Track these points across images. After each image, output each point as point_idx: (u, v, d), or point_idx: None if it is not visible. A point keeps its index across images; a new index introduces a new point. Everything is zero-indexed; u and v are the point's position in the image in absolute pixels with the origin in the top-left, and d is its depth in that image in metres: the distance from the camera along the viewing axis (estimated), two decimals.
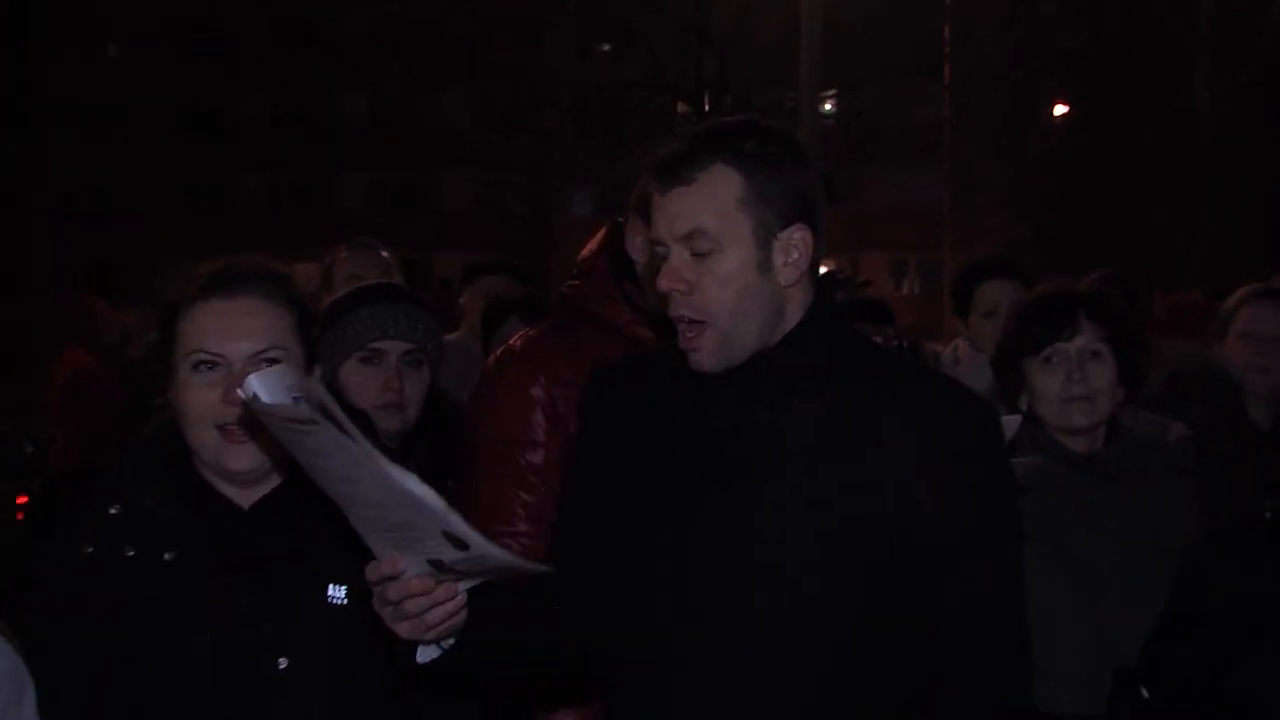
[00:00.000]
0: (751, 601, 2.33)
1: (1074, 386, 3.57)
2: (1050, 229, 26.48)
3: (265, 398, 2.11)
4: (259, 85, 44.92)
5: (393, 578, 2.20)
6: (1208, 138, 26.19)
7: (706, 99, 26.75)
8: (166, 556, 2.56)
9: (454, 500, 3.35)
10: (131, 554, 2.57)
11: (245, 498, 2.64)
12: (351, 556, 2.44)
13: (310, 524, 2.57)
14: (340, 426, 2.04)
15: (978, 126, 30.28)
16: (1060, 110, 31.10)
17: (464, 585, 2.26)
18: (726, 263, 2.38)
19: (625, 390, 2.59)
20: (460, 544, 2.13)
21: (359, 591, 2.50)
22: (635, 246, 3.24)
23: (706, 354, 2.42)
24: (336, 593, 2.59)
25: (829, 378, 2.42)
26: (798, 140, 2.49)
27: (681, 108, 27.92)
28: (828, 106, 29.14)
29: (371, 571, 2.23)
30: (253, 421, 2.44)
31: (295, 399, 2.11)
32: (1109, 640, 3.41)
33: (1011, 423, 3.33)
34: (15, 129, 43.15)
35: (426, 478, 3.42)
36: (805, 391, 2.41)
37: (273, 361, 2.55)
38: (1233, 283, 5.35)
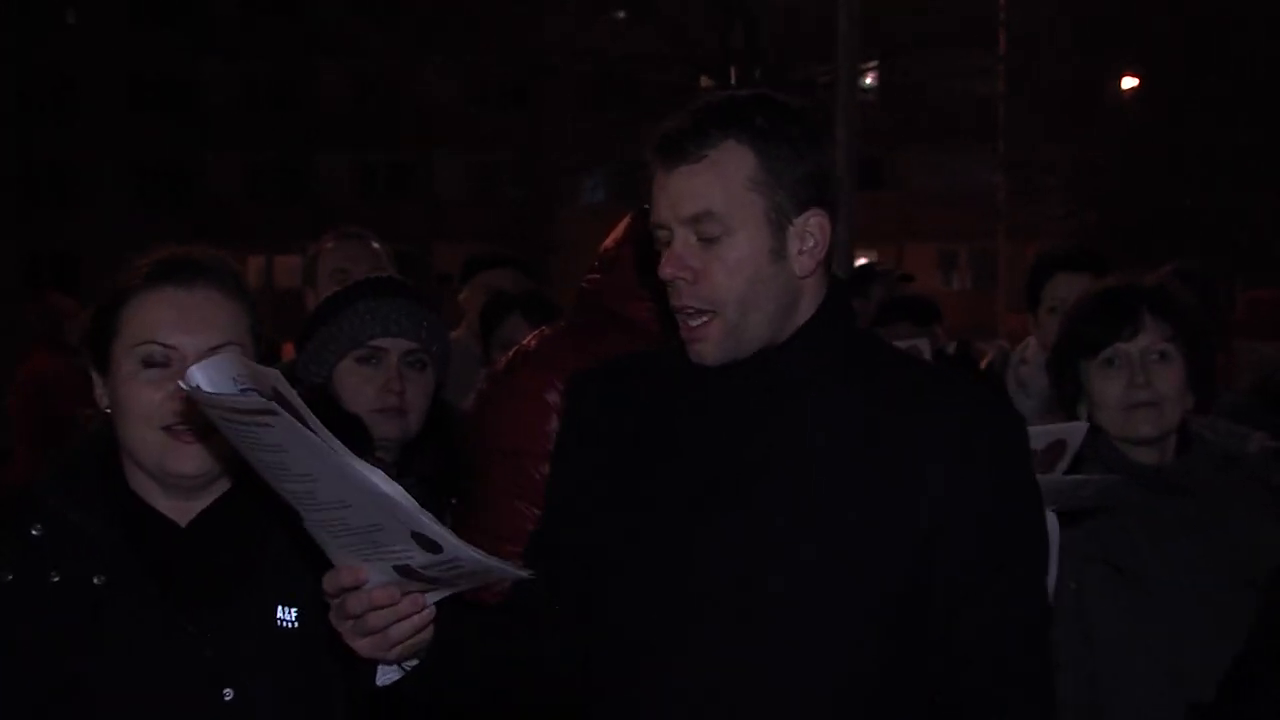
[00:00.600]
0: (759, 617, 2.35)
1: (1137, 392, 3.51)
2: (1118, 217, 26.41)
3: (209, 388, 2.09)
4: (230, 57, 44.97)
5: (354, 588, 2.22)
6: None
7: (733, 72, 26.71)
8: (96, 580, 2.57)
9: (458, 520, 3.39)
10: (57, 579, 2.55)
11: (183, 513, 2.62)
12: (303, 574, 2.48)
13: (256, 539, 2.59)
14: (298, 416, 2.05)
15: (1036, 102, 30.17)
16: (1130, 83, 31.00)
17: (433, 597, 2.27)
18: (736, 248, 2.39)
19: (615, 394, 2.60)
20: (432, 546, 2.14)
21: (312, 612, 2.52)
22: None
23: (711, 345, 2.43)
24: (286, 615, 2.58)
25: (842, 378, 2.45)
26: (814, 117, 2.51)
27: (705, 82, 27.89)
28: (868, 80, 29.12)
29: (330, 582, 2.24)
30: (202, 421, 2.41)
31: (243, 390, 2.10)
32: (1181, 672, 3.40)
33: (1078, 430, 3.32)
34: None
35: (428, 493, 3.48)
36: (817, 392, 2.44)
37: None
38: None
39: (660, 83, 27.28)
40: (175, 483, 2.60)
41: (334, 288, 4.99)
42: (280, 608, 2.59)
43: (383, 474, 2.10)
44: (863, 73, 23.64)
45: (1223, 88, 26.44)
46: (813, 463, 2.39)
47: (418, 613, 2.25)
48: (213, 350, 2.53)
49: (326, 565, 2.26)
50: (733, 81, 26.21)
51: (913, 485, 2.36)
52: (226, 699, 2.53)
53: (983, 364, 11.16)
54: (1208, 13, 26.52)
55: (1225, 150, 26.15)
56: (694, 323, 2.43)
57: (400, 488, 2.11)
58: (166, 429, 2.56)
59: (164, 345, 2.56)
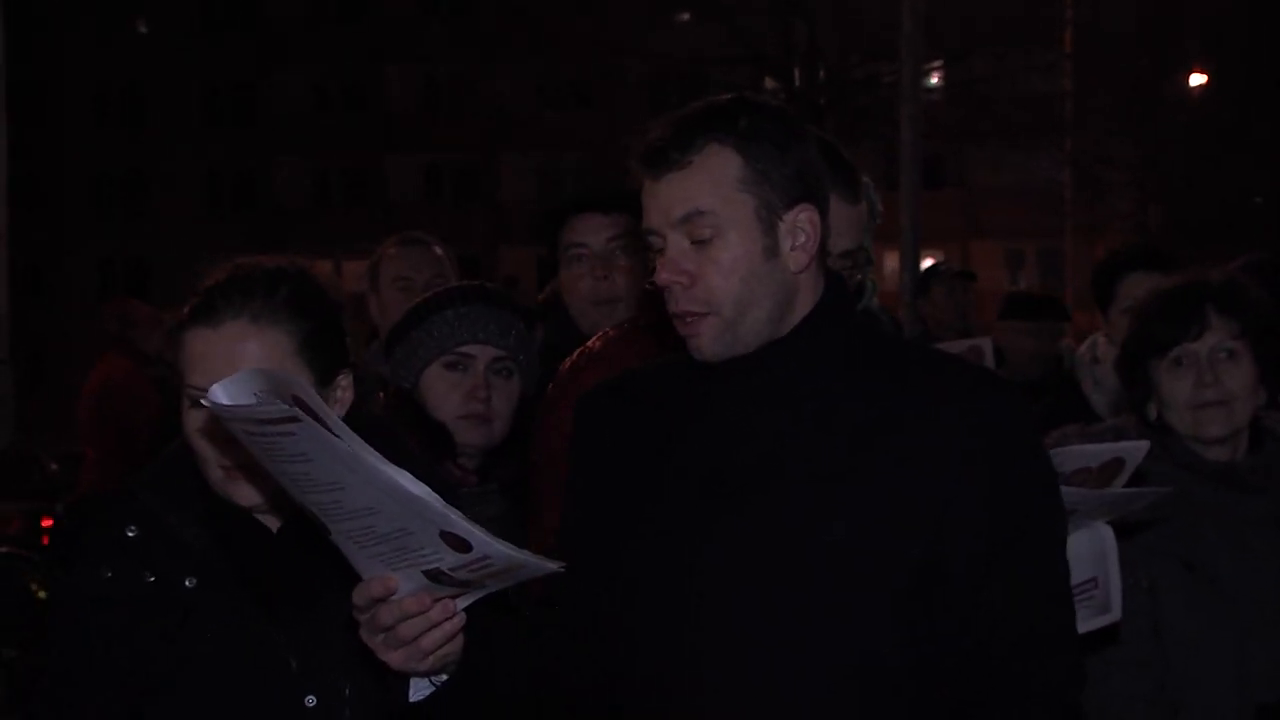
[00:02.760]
0: (775, 612, 2.36)
1: (1205, 391, 3.49)
2: (1185, 213, 26.18)
3: (228, 402, 2.08)
4: (299, 63, 45.31)
5: (384, 599, 2.23)
6: None
7: (796, 72, 26.67)
8: (188, 583, 2.60)
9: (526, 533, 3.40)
10: (151, 580, 2.60)
11: (274, 519, 2.65)
12: None
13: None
14: (322, 421, 2.05)
15: (1104, 98, 29.94)
16: (1198, 80, 30.71)
17: (463, 601, 2.27)
18: (729, 249, 2.41)
19: (621, 408, 2.62)
20: (461, 545, 2.14)
21: None
22: None
23: (707, 340, 2.45)
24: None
25: (846, 371, 2.47)
26: (795, 117, 2.53)
27: (769, 82, 27.86)
28: (933, 79, 28.97)
29: (360, 595, 2.25)
30: (244, 455, 2.45)
31: (258, 397, 2.08)
32: (1256, 674, 3.39)
33: (1137, 449, 3.29)
34: (37, 115, 43.83)
35: (509, 501, 3.47)
36: (820, 387, 2.45)
37: None
38: None
39: (724, 83, 27.26)
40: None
41: (396, 294, 5.04)
42: None
43: (410, 475, 2.10)
44: (927, 71, 23.53)
45: None
46: (818, 455, 2.40)
47: (449, 619, 2.26)
48: None
49: (355, 580, 2.27)
50: (796, 83, 26.18)
51: (920, 469, 2.37)
52: (309, 705, 2.56)
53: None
54: (1274, 4, 26.24)
55: None
56: (690, 319, 2.45)
57: (427, 487, 2.10)
58: (222, 467, 2.58)
59: (198, 388, 2.53)
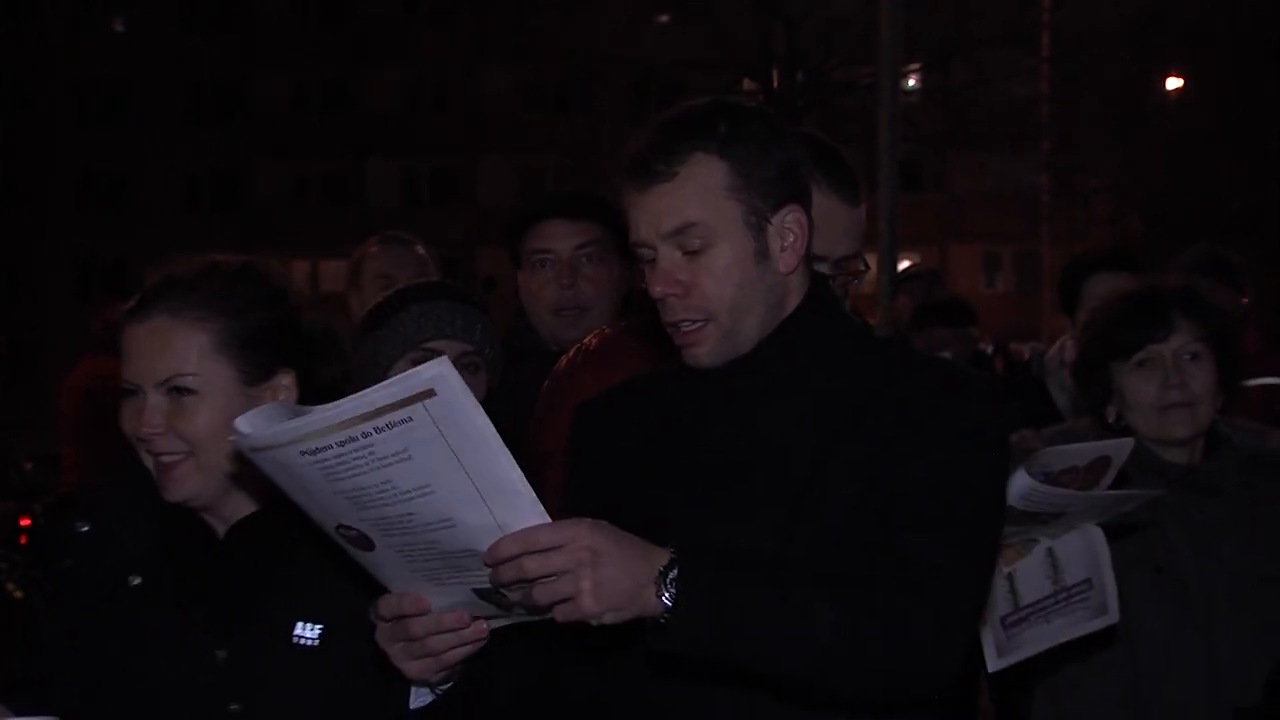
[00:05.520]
0: None
1: (1172, 392, 3.52)
2: (1165, 219, 26.26)
3: (268, 429, 2.07)
4: (280, 64, 45.24)
5: (416, 615, 2.22)
6: None
7: (775, 75, 26.70)
8: (132, 581, 2.62)
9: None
10: (99, 575, 2.64)
11: (223, 522, 2.64)
12: (332, 591, 2.51)
13: (288, 553, 2.59)
14: (457, 399, 2.01)
15: (1082, 103, 30.02)
16: (1174, 84, 30.80)
17: (497, 624, 2.26)
18: (722, 256, 2.42)
19: (618, 415, 2.63)
20: None
21: (336, 631, 2.55)
22: None
23: (707, 349, 2.46)
24: (307, 632, 2.58)
25: (834, 367, 2.48)
26: (774, 116, 2.54)
27: (747, 85, 27.87)
28: (911, 82, 29.01)
29: (388, 607, 2.24)
30: (182, 447, 2.51)
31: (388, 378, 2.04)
32: (1224, 672, 3.42)
33: (1123, 446, 3.30)
34: (19, 114, 43.66)
35: None
36: (809, 383, 2.47)
37: (180, 391, 2.56)
38: None
39: (704, 86, 27.27)
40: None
41: (378, 292, 5.02)
42: (301, 624, 2.58)
43: (522, 475, 2.08)
44: (905, 75, 23.57)
45: (1270, 87, 26.25)
46: (810, 450, 2.41)
47: (478, 639, 2.26)
48: (163, 383, 2.56)
49: (361, 587, 2.26)
50: (775, 85, 26.19)
51: (889, 461, 2.38)
52: (233, 711, 2.55)
53: (1022, 363, 11.13)
54: (1252, 9, 26.33)
55: (1272, 150, 25.95)
56: (687, 329, 2.46)
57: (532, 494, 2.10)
58: (155, 457, 2.59)
59: (130, 383, 2.60)
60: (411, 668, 2.26)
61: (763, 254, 2.44)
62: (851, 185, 3.14)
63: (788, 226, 2.46)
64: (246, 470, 2.55)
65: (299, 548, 2.58)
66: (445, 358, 2.04)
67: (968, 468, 2.42)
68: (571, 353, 3.67)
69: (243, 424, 2.09)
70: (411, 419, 2.02)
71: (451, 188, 46.34)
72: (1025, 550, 3.23)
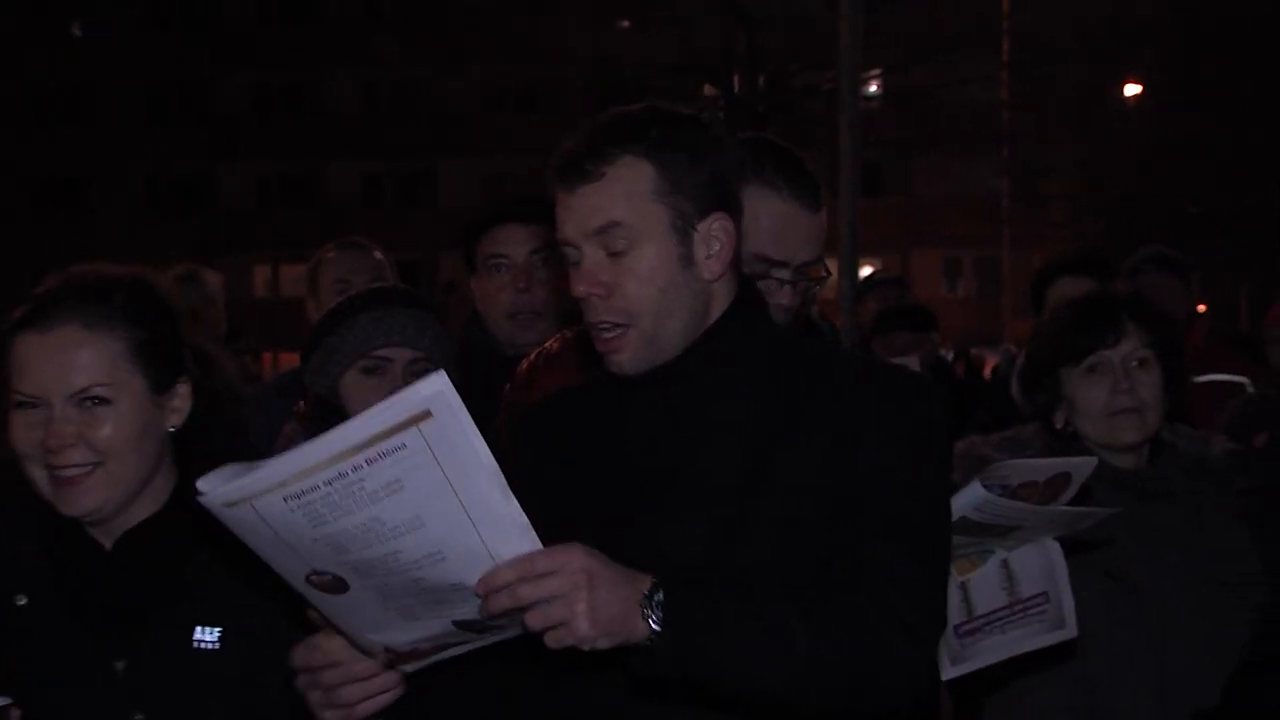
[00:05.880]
0: None
1: (1122, 398, 3.55)
2: (1122, 223, 26.38)
3: (234, 483, 2.02)
4: (243, 67, 45.04)
5: (333, 665, 2.23)
6: None
7: (736, 79, 26.74)
8: (19, 601, 2.58)
9: None
10: None
11: (109, 534, 2.61)
12: (228, 594, 2.51)
13: (180, 560, 2.58)
14: (454, 419, 1.99)
15: (1042, 108, 30.15)
16: (1133, 90, 30.95)
17: (483, 641, 2.25)
18: (645, 259, 2.43)
19: (547, 429, 2.63)
20: None
21: (236, 634, 2.55)
22: None
23: (628, 355, 2.46)
24: (207, 636, 2.58)
25: (761, 374, 2.48)
26: (708, 124, 2.54)
27: (709, 89, 27.92)
28: (873, 88, 29.08)
29: (301, 658, 2.25)
30: (92, 456, 2.48)
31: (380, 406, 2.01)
32: (1173, 676, 3.44)
33: (1085, 464, 3.30)
34: None
35: None
36: (736, 390, 2.47)
37: (95, 401, 2.53)
38: None
39: (666, 90, 27.30)
40: (85, 520, 2.59)
41: (336, 298, 5.00)
42: (200, 629, 2.58)
43: (514, 499, 2.07)
44: (866, 80, 23.63)
45: (1228, 91, 26.41)
46: (738, 459, 2.41)
47: (389, 690, 2.27)
48: (78, 394, 2.52)
49: (260, 589, 2.27)
50: (736, 89, 26.23)
51: (833, 465, 2.38)
52: None
53: (988, 370, 11.17)
54: (1209, 16, 26.49)
55: (1230, 155, 26.12)
56: (609, 334, 2.46)
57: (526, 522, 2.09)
58: (50, 469, 2.55)
59: (27, 395, 2.54)
60: (326, 717, 2.27)
61: (687, 260, 2.45)
62: (812, 190, 3.14)
63: (714, 234, 2.46)
64: (148, 481, 2.59)
65: (192, 553, 2.58)
66: (442, 373, 2.01)
67: (916, 471, 2.43)
68: (533, 356, 3.67)
69: (206, 483, 2.04)
70: (405, 445, 2.00)
71: (413, 191, 46.23)
72: (980, 561, 3.22)
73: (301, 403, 3.68)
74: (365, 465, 1.99)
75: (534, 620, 2.12)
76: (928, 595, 2.40)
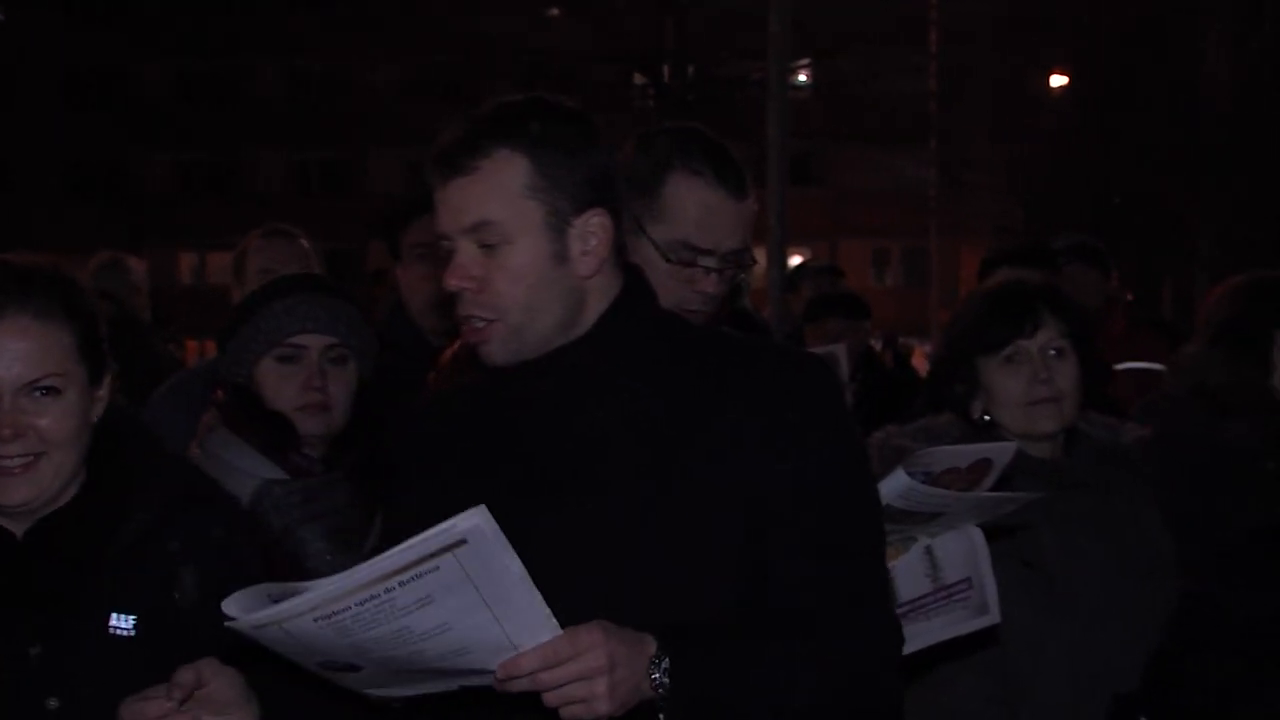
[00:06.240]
0: (601, 615, 2.31)
1: (1039, 388, 3.57)
2: (1047, 213, 26.59)
3: (266, 610, 2.07)
4: (166, 52, 44.62)
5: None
6: (1223, 107, 26.36)
7: (665, 69, 26.76)
8: None
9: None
10: None
11: (21, 523, 2.60)
12: (144, 582, 2.53)
13: (94, 547, 2.57)
14: (490, 547, 2.03)
15: (967, 99, 30.36)
16: (1058, 81, 31.21)
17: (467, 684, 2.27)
18: (517, 255, 2.41)
19: (430, 429, 2.62)
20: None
21: (151, 621, 2.55)
22: None
23: (495, 345, 2.45)
24: (122, 623, 2.57)
25: (648, 366, 2.47)
26: (590, 118, 2.52)
27: (638, 78, 27.92)
28: (801, 78, 29.18)
29: (128, 713, 2.30)
30: (35, 447, 2.49)
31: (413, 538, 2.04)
32: (1090, 663, 3.47)
33: (1005, 450, 3.32)
34: None
35: (357, 489, 3.46)
36: (622, 384, 2.46)
37: (48, 390, 2.52)
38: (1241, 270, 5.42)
39: (595, 79, 27.29)
40: (9, 511, 2.58)
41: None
42: (115, 616, 2.58)
43: (542, 600, 2.10)
44: (794, 70, 23.69)
45: (1151, 84, 26.67)
46: (627, 452, 2.41)
47: None
48: (31, 384, 2.52)
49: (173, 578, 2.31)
50: (665, 79, 26.24)
51: (730, 455, 2.39)
52: (51, 708, 2.52)
53: (916, 359, 11.23)
54: (1131, 7, 26.75)
55: (1154, 146, 26.39)
56: (478, 324, 2.46)
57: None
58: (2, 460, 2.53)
59: None
60: None
61: (561, 256, 2.43)
62: (738, 179, 3.15)
63: (591, 231, 2.44)
64: (79, 470, 2.59)
65: (107, 540, 2.58)
66: (482, 508, 2.04)
67: (841, 466, 2.46)
68: (456, 345, 3.64)
69: (235, 607, 2.08)
70: (439, 568, 2.03)
71: (341, 179, 45.98)
72: (904, 548, 3.23)
73: (220, 391, 3.65)
74: (398, 587, 2.03)
75: (553, 699, 2.17)
76: (889, 602, 2.51)
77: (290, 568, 3.20)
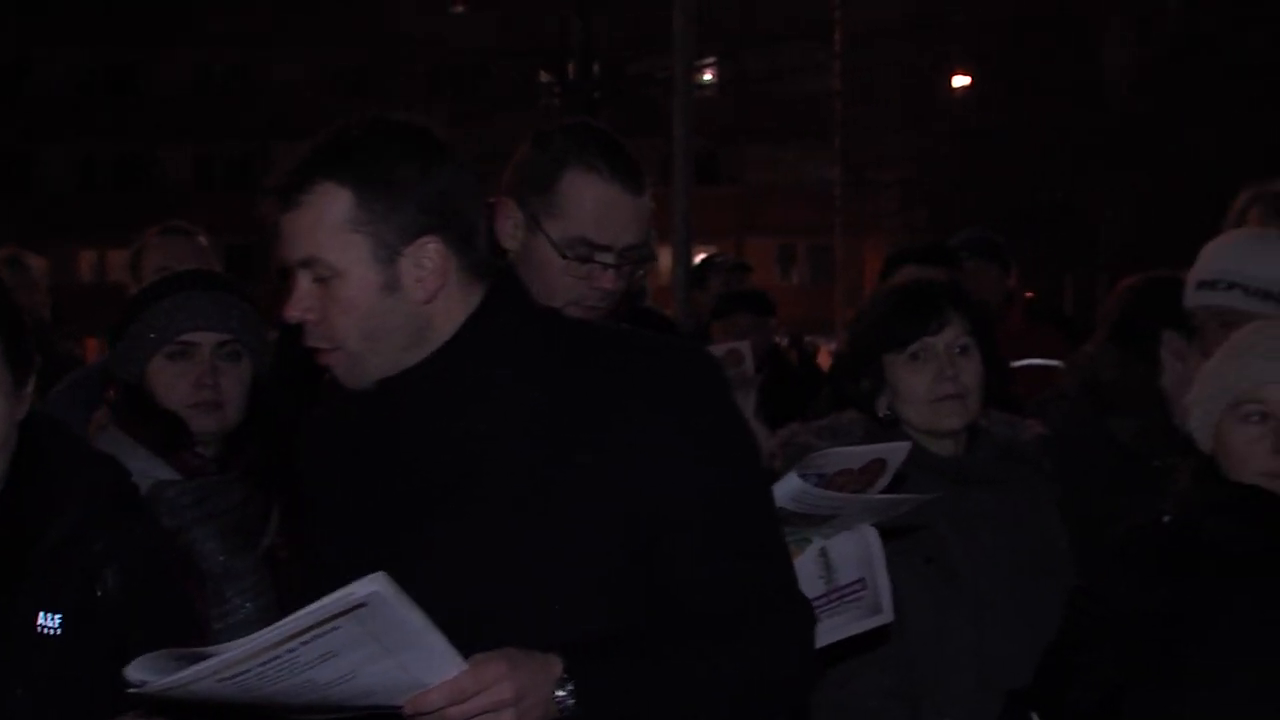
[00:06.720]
0: (491, 622, 2.31)
1: (945, 385, 3.59)
2: (951, 211, 26.80)
3: (171, 677, 2.07)
4: (67, 44, 44.06)
5: None
6: (1123, 106, 26.73)
7: (571, 66, 26.74)
8: None
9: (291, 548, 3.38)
10: None
11: None
12: (70, 580, 2.52)
13: (20, 544, 2.56)
14: (390, 608, 2.02)
15: (872, 98, 30.58)
16: (960, 81, 31.50)
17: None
18: (346, 289, 2.38)
19: (332, 441, 2.59)
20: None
21: (77, 620, 2.54)
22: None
23: (341, 372, 2.44)
24: (49, 621, 2.56)
25: (522, 370, 2.43)
26: (434, 137, 2.46)
27: (544, 75, 27.89)
28: (707, 76, 29.26)
29: None
30: None
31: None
32: (992, 659, 3.50)
33: (898, 449, 3.31)
34: None
35: (252, 486, 3.43)
36: (496, 390, 2.42)
37: None
38: (1143, 268, 5.49)
39: (501, 76, 27.24)
40: None
41: None
42: (43, 614, 2.56)
43: (442, 637, 2.10)
44: (700, 68, 23.75)
45: (1053, 82, 26.97)
46: (508, 458, 2.38)
47: None
48: None
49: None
50: (571, 76, 26.22)
51: (616, 454, 2.36)
52: None
53: (819, 356, 11.28)
54: (1031, 8, 27.04)
55: (1055, 145, 26.69)
56: (323, 353, 2.44)
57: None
58: None
59: None
60: None
61: (392, 286, 2.38)
62: (635, 174, 3.13)
63: (425, 256, 2.39)
64: (3, 471, 2.58)
65: (33, 538, 2.56)
66: (381, 575, 2.02)
67: (740, 463, 2.45)
68: None
69: (139, 673, 2.09)
70: (339, 628, 2.02)
71: (246, 174, 45.57)
72: (798, 549, 3.23)
73: (111, 390, 3.61)
74: (299, 646, 2.03)
75: None
76: (795, 590, 2.48)
77: (183, 569, 3.16)
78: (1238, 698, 3.02)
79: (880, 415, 3.66)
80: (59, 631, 2.55)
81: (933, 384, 3.59)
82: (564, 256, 3.07)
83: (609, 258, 3.08)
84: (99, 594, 2.59)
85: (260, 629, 2.10)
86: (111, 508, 2.66)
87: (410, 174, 2.38)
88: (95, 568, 2.60)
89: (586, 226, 3.05)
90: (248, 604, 3.40)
